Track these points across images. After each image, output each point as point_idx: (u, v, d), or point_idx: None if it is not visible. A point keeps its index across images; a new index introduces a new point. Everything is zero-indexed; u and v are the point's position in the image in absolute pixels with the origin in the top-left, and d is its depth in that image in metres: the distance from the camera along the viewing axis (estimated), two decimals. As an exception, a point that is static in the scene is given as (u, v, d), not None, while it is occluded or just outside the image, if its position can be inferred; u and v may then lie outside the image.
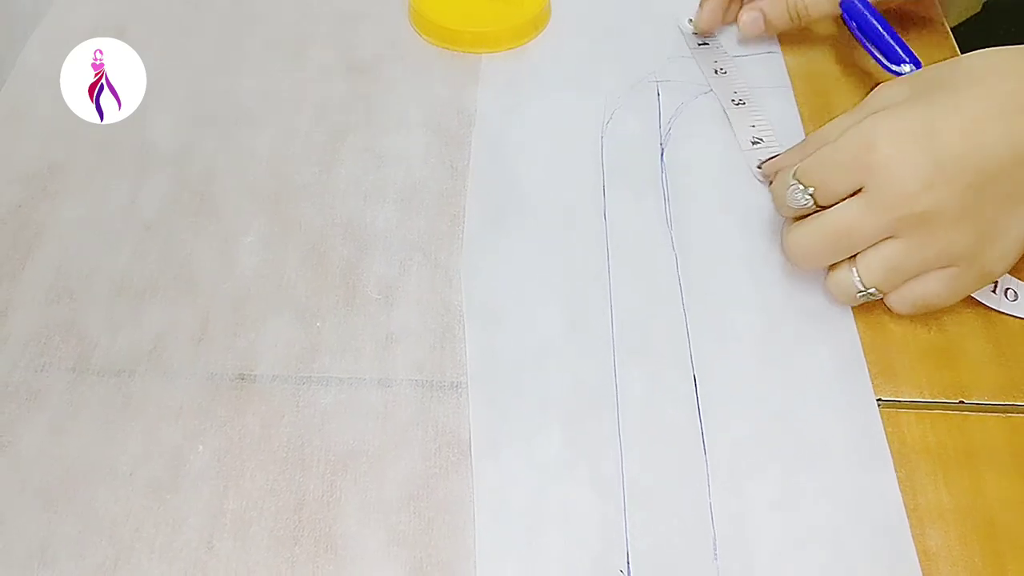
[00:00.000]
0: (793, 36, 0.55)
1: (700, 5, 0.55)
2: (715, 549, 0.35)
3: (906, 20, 0.56)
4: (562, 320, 0.42)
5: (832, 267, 0.41)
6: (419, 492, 0.37)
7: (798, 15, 0.52)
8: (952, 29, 0.57)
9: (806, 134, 0.49)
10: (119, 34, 0.49)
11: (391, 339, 0.41)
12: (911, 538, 0.35)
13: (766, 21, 0.53)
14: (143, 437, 0.38)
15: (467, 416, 0.39)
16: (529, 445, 0.38)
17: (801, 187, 0.39)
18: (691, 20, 0.55)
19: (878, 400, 0.39)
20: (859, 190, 0.38)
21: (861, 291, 0.40)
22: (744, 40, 0.55)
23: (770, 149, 0.48)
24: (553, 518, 0.36)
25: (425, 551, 0.35)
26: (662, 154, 0.49)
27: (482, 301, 0.43)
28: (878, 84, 0.42)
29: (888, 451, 0.37)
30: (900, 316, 0.41)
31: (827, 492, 0.37)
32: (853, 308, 0.42)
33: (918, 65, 0.47)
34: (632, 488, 0.37)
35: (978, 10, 0.75)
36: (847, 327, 0.41)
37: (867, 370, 0.40)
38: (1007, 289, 0.43)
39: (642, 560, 0.35)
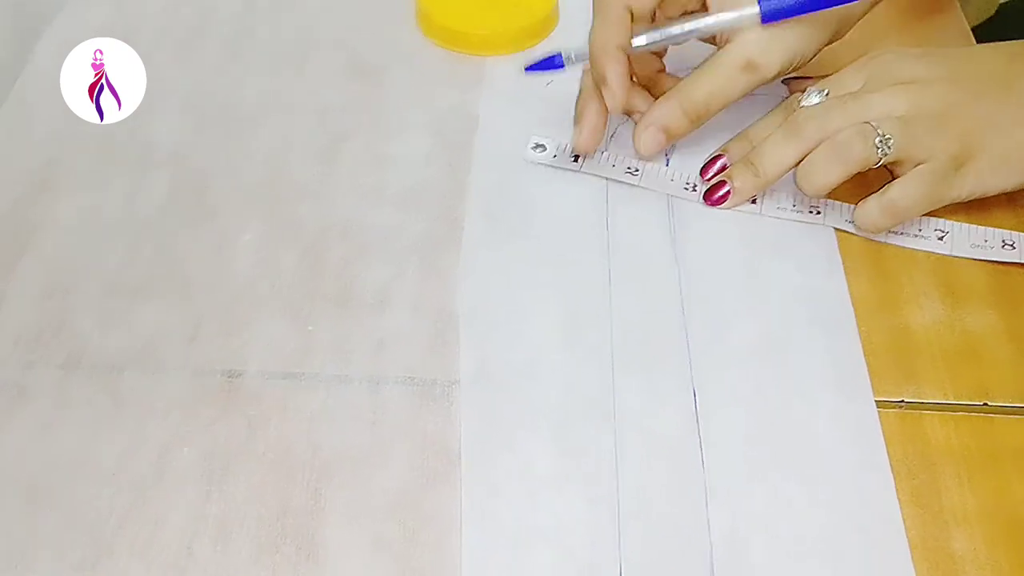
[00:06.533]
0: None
1: (576, 122, 0.47)
2: (712, 563, 0.34)
3: (924, 20, 0.55)
4: (560, 329, 0.41)
5: None
6: (405, 500, 0.36)
7: (698, 117, 0.46)
8: None
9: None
10: (128, 35, 0.49)
11: (383, 343, 0.41)
12: (909, 553, 0.34)
13: (666, 133, 0.46)
14: (130, 436, 0.38)
15: (457, 424, 0.38)
16: (521, 455, 0.37)
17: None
18: (536, 146, 0.48)
19: (901, 402, 0.39)
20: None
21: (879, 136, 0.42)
22: (644, 159, 0.47)
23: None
24: (543, 530, 0.35)
25: (408, 562, 0.34)
26: (667, 163, 0.48)
27: (478, 307, 0.42)
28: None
29: (888, 464, 0.37)
30: (923, 318, 0.41)
31: (826, 506, 0.36)
32: (860, 313, 0.41)
33: None
34: (627, 500, 0.36)
35: (992, 13, 0.74)
36: (849, 340, 0.40)
37: (869, 383, 0.39)
38: (936, 230, 0.44)
39: (636, 574, 0.34)
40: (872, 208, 0.43)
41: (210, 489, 0.36)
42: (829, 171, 0.43)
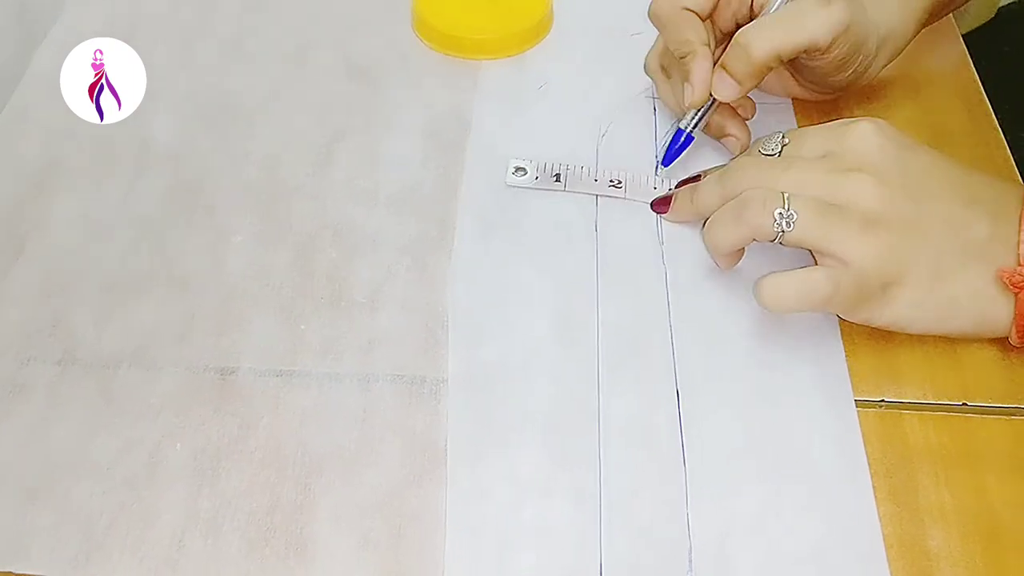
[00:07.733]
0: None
1: (688, 77, 0.45)
2: (690, 564, 0.35)
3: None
4: (548, 330, 0.42)
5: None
6: (392, 499, 0.36)
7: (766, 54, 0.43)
8: (964, 36, 0.57)
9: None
10: (128, 35, 0.50)
11: (373, 343, 0.41)
12: (885, 556, 0.35)
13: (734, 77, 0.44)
14: (123, 433, 0.38)
15: (445, 422, 0.38)
16: (506, 456, 0.38)
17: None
18: (517, 170, 0.47)
19: (881, 401, 0.39)
20: None
21: (781, 210, 0.37)
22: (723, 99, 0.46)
23: None
24: (527, 530, 0.36)
25: (395, 558, 0.35)
26: (656, 168, 0.48)
27: (468, 308, 0.42)
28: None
29: (866, 463, 0.37)
30: None
31: (804, 504, 0.36)
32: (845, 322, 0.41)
33: None
34: (609, 502, 0.36)
35: (991, 16, 0.75)
36: (834, 345, 0.41)
37: (851, 387, 0.40)
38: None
39: (615, 574, 0.35)
40: (758, 285, 0.39)
41: (202, 484, 0.37)
42: (726, 231, 0.40)
